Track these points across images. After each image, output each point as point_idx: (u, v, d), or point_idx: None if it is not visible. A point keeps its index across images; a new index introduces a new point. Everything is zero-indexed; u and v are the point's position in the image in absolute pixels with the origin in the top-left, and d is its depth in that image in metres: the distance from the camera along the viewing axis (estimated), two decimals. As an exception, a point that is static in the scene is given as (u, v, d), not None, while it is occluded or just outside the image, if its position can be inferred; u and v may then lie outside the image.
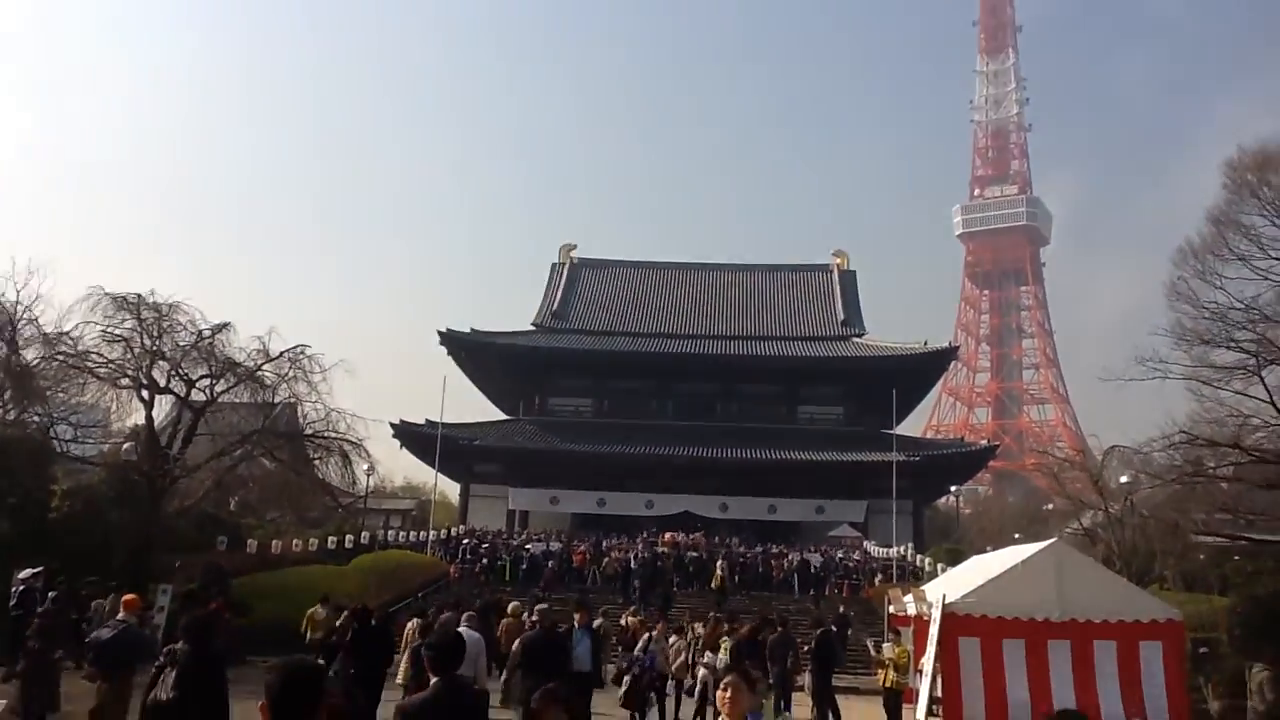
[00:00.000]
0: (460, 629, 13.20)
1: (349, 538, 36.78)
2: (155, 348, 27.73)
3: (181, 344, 28.17)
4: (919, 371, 61.20)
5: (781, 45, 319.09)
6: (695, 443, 56.35)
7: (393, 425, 55.40)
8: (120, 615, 11.20)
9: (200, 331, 28.49)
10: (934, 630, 15.61)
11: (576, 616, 15.34)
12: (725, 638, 17.50)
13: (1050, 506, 68.62)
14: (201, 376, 28.80)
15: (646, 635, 17.55)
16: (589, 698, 14.31)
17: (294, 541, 33.34)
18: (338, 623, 11.17)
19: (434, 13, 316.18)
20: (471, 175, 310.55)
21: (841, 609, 26.46)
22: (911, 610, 18.30)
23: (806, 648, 19.54)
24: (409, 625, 17.98)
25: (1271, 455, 22.96)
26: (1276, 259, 23.83)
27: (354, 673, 11.15)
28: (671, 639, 17.76)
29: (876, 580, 39.37)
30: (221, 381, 29.08)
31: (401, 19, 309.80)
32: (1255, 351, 22.57)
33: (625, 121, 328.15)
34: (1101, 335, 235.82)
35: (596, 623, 17.24)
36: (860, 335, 64.99)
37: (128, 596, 11.74)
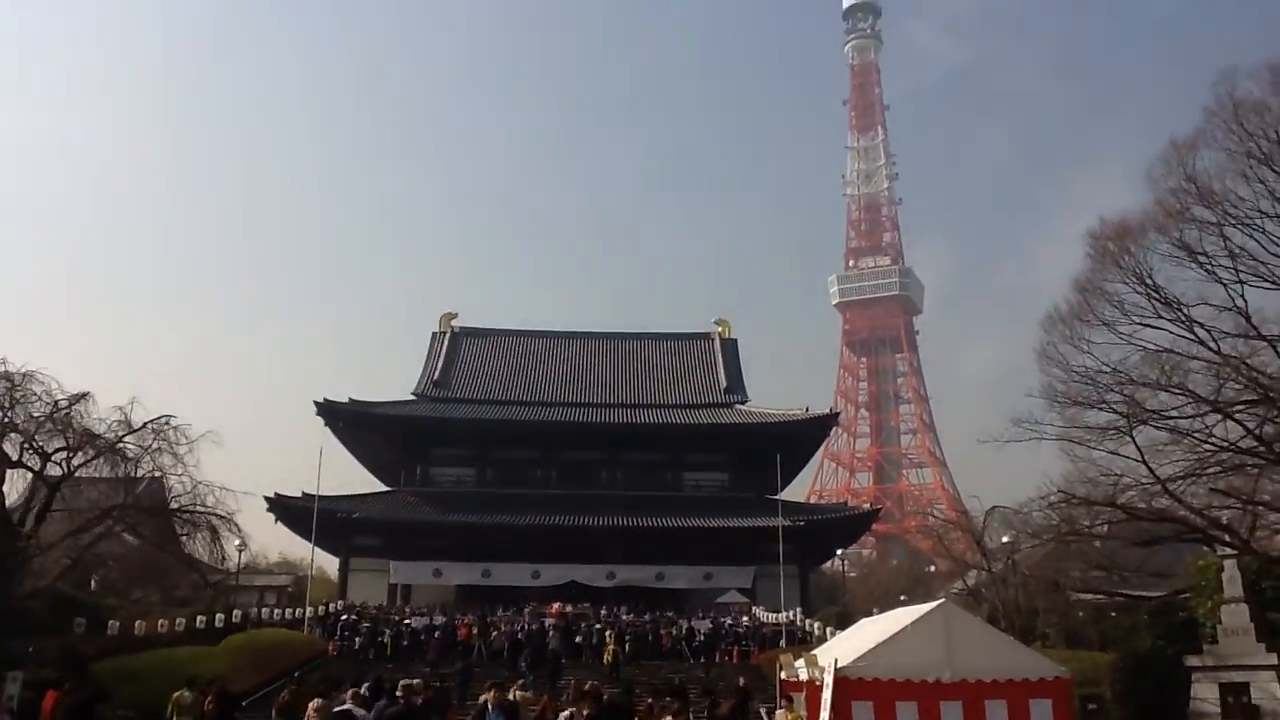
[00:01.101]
0: (347, 707, 14.24)
1: (219, 616, 34.98)
2: (7, 419, 26.18)
3: (36, 415, 26.62)
4: (801, 437, 61.84)
5: (663, 115, 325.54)
6: (580, 511, 55.73)
7: (267, 499, 53.43)
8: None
9: (56, 402, 27.01)
10: (827, 695, 15.37)
11: (490, 696, 14.45)
12: (670, 718, 15.46)
13: (933, 568, 69.93)
14: (58, 449, 27.24)
15: (568, 713, 15.72)
16: None
17: (159, 622, 31.46)
18: (206, 706, 10.28)
19: (304, 76, 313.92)
20: (349, 244, 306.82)
21: (741, 680, 25.92)
22: (804, 675, 18.05)
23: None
24: (311, 705, 16.84)
25: (1144, 512, 23.59)
26: (1140, 324, 24.76)
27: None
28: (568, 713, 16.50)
29: (767, 645, 39.18)
30: (80, 454, 27.50)
31: (272, 84, 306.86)
32: (1126, 413, 23.28)
33: (506, 189, 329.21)
34: (973, 399, 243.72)
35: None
36: (743, 402, 65.50)
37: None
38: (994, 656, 15.33)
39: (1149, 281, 24.55)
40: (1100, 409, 24.05)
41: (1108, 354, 25.10)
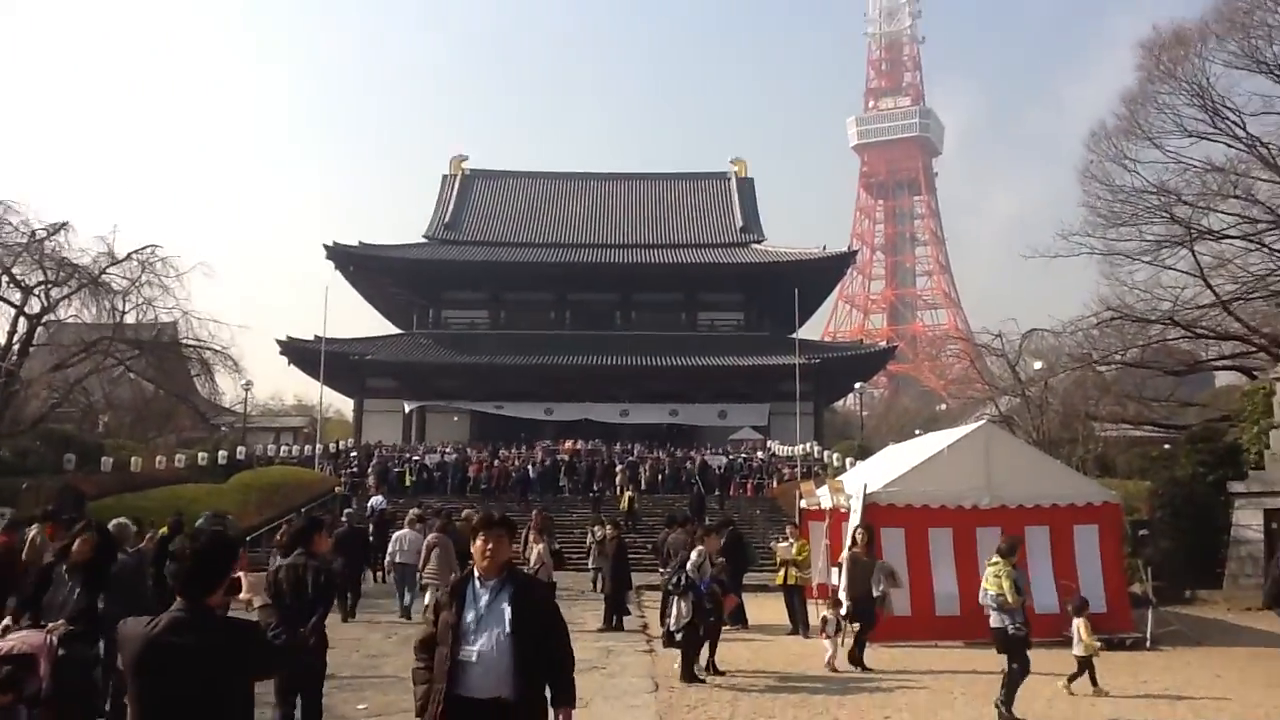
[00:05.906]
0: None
1: (222, 454, 34.22)
2: (-18, 252, 24.68)
3: (11, 245, 25.04)
4: (818, 275, 60.23)
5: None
6: (595, 352, 54.86)
7: (279, 342, 53.11)
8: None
9: (34, 232, 25.42)
10: (854, 521, 14.37)
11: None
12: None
13: (943, 406, 69.44)
14: (39, 283, 25.76)
15: (699, 551, 12.75)
16: None
17: (158, 458, 30.59)
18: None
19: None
20: (361, 86, 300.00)
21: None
22: (826, 503, 17.07)
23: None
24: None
25: (1204, 330, 22.25)
26: (1195, 136, 23.08)
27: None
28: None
29: (786, 478, 38.55)
30: (62, 288, 25.99)
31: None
32: (1187, 224, 21.74)
33: (517, 28, 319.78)
34: (992, 241, 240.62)
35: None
36: (759, 242, 63.75)
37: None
38: (1037, 481, 14.26)
39: (1207, 92, 22.72)
40: (1153, 224, 22.50)
41: (1157, 174, 23.59)
